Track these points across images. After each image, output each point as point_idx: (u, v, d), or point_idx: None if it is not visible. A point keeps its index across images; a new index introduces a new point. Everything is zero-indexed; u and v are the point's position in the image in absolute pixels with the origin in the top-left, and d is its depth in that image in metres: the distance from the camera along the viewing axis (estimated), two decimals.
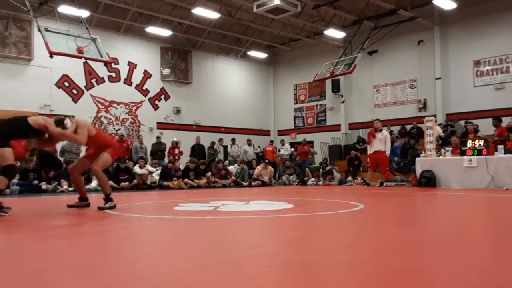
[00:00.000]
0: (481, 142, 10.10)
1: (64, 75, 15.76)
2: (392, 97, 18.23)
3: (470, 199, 7.22)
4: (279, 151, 17.43)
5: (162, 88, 18.49)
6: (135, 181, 12.22)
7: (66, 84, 15.88)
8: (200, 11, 15.57)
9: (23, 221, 4.67)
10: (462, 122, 14.92)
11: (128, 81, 17.52)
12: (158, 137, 15.94)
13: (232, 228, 4.00)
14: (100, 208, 5.48)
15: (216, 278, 2.05)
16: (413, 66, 17.50)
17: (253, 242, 3.19)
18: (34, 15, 12.32)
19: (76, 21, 13.43)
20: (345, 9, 16.40)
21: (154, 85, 18.24)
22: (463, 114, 15.74)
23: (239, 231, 3.84)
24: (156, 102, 18.28)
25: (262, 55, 20.99)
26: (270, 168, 14.88)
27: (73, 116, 5.79)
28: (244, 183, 13.90)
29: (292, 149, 17.47)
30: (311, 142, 18.59)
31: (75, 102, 16.05)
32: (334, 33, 17.66)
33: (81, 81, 16.24)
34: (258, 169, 14.45)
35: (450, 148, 10.96)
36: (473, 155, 10.03)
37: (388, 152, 11.85)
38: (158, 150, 15.17)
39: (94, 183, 11.85)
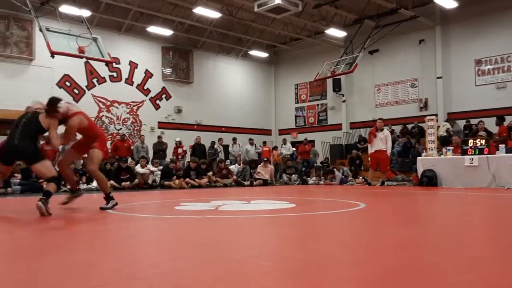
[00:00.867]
0: (483, 141, 10.09)
1: (65, 75, 15.78)
2: (393, 97, 18.22)
3: (471, 199, 7.21)
4: (279, 151, 17.36)
5: (163, 87, 18.50)
6: (136, 180, 12.23)
7: (68, 83, 15.90)
8: (201, 11, 15.57)
9: (25, 220, 4.68)
10: (463, 122, 14.93)
11: (129, 81, 17.54)
12: (159, 137, 15.95)
13: (233, 228, 4.01)
14: (102, 208, 5.42)
15: (217, 278, 2.05)
16: (414, 65, 17.48)
17: (254, 241, 3.19)
18: (36, 15, 12.33)
19: (77, 21, 13.44)
20: (346, 8, 16.40)
21: (155, 85, 18.25)
22: (465, 113, 15.72)
23: (240, 230, 3.84)
24: (157, 101, 18.29)
25: (263, 54, 20.99)
26: (270, 166, 14.92)
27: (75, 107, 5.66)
28: (246, 183, 13.91)
29: (294, 149, 17.46)
30: (312, 142, 18.60)
31: (77, 101, 16.02)
32: (335, 33, 17.65)
33: (82, 81, 16.26)
34: (258, 167, 14.50)
35: (451, 148, 10.95)
36: (474, 154, 10.02)
37: (389, 152, 11.85)
38: (159, 150, 15.17)
39: (95, 183, 11.87)
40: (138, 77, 17.78)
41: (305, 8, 15.46)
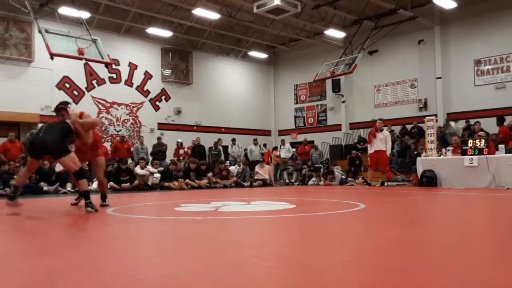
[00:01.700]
0: (482, 142, 10.10)
1: (64, 77, 15.77)
2: (393, 97, 18.23)
3: (471, 199, 7.22)
4: (278, 153, 17.32)
5: (163, 89, 18.50)
6: (136, 182, 12.23)
7: (67, 85, 15.89)
8: (200, 12, 15.57)
9: (25, 222, 4.68)
10: (463, 122, 14.94)
11: (129, 82, 17.53)
12: (159, 138, 15.95)
13: (233, 229, 4.01)
14: (104, 205, 6.01)
15: (217, 279, 2.06)
16: (413, 65, 17.50)
17: (254, 242, 3.19)
18: (35, 16, 12.33)
19: (76, 23, 13.44)
20: (345, 9, 16.41)
21: (154, 86, 18.25)
22: (464, 113, 15.73)
23: (240, 231, 3.84)
24: (157, 103, 18.29)
25: (262, 55, 21.00)
26: (267, 166, 14.95)
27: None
28: (245, 184, 13.91)
29: (294, 150, 17.45)
30: (312, 142, 18.60)
31: (76, 103, 16.03)
32: (334, 33, 17.66)
33: (82, 82, 16.25)
34: (256, 168, 14.55)
35: (451, 148, 10.96)
36: (474, 154, 10.02)
37: (389, 152, 11.86)
38: (159, 151, 15.17)
39: (95, 184, 11.88)
40: (137, 78, 17.78)
41: (304, 9, 15.47)
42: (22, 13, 13.39)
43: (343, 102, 19.75)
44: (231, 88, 20.77)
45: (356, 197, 7.80)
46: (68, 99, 15.80)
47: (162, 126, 18.17)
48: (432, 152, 11.07)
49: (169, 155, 15.52)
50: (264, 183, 13.96)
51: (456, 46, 16.43)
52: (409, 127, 16.57)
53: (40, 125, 14.66)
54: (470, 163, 9.94)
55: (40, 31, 11.92)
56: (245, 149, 17.52)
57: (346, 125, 19.70)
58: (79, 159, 5.74)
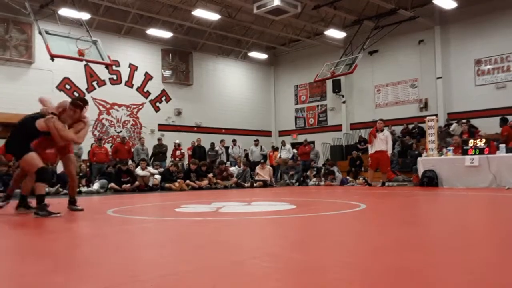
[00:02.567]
0: (483, 142, 10.09)
1: (65, 78, 15.78)
2: (393, 97, 18.22)
3: (472, 199, 7.20)
4: (279, 153, 17.31)
5: (163, 90, 18.51)
6: (136, 183, 12.23)
7: (67, 86, 15.90)
8: (200, 13, 15.58)
9: (24, 223, 4.68)
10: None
11: (129, 83, 17.55)
12: (159, 139, 15.96)
13: (234, 229, 4.00)
14: (75, 210, 5.59)
15: (217, 280, 2.05)
16: (414, 65, 17.49)
17: (255, 243, 3.18)
18: (35, 18, 12.37)
19: (76, 24, 13.45)
20: (345, 9, 16.40)
21: (155, 87, 18.25)
22: (465, 113, 15.72)
23: (241, 232, 3.84)
24: (157, 104, 18.30)
25: (262, 56, 21.00)
26: (268, 167, 14.96)
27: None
28: (246, 184, 13.91)
29: (295, 150, 17.43)
30: (312, 143, 18.59)
31: None
32: (335, 33, 17.65)
33: (82, 84, 16.26)
34: (256, 169, 14.55)
35: (452, 148, 10.95)
36: (475, 154, 10.01)
37: (389, 152, 11.85)
38: (159, 152, 15.18)
39: (96, 185, 11.90)
40: (138, 79, 17.79)
41: (304, 10, 15.47)
42: (22, 15, 13.41)
43: (344, 102, 19.74)
44: (232, 89, 20.77)
45: (357, 197, 7.79)
46: (68, 100, 15.81)
47: (162, 127, 18.18)
48: (433, 152, 11.06)
49: (170, 156, 15.54)
50: (265, 184, 13.95)
51: (457, 46, 16.42)
52: (410, 127, 16.56)
53: None
54: (471, 163, 9.93)
55: (40, 33, 11.95)
56: (246, 150, 17.51)
57: (346, 126, 19.70)
58: (56, 156, 5.67)
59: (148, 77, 18.07)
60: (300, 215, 5.10)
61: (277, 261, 2.49)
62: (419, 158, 11.36)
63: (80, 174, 12.03)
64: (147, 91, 18.03)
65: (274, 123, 22.39)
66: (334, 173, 13.99)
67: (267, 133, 21.90)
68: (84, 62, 14.10)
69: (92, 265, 2.48)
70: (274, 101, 22.49)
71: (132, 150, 15.02)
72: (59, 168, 11.13)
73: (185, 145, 16.88)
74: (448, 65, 16.61)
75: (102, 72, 16.34)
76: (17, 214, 5.31)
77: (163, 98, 18.48)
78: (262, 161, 15.11)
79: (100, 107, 16.68)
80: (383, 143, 11.62)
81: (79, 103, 5.55)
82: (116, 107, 17.06)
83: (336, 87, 19.60)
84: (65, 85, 15.83)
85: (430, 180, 10.40)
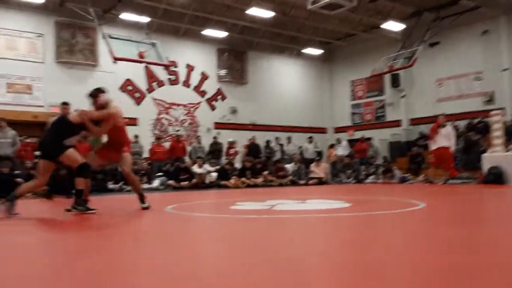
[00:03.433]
0: None
1: (127, 79, 16.48)
2: (456, 91, 17.37)
3: None
4: (334, 151, 17.07)
5: (219, 89, 18.83)
6: (194, 180, 12.55)
7: (129, 88, 16.60)
8: (254, 11, 15.67)
9: (87, 219, 4.94)
10: None
11: (186, 83, 18.02)
12: (215, 137, 16.26)
13: (288, 227, 4.01)
14: (145, 208, 5.57)
15: (269, 277, 2.07)
16: (477, 57, 16.55)
17: (309, 241, 3.17)
18: (99, 23, 13.01)
19: (137, 27, 14.00)
20: (403, 1, 15.84)
21: (211, 86, 18.62)
22: None
23: (295, 230, 3.84)
24: (213, 102, 18.65)
25: (317, 52, 20.77)
26: (323, 164, 14.78)
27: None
28: (301, 182, 13.85)
29: (351, 148, 17.12)
30: (369, 139, 18.15)
31: (138, 105, 16.74)
32: (392, 26, 17.09)
33: (143, 85, 16.91)
34: (311, 166, 14.43)
35: None
36: None
37: (452, 148, 11.35)
38: (215, 150, 15.47)
39: (156, 183, 12.35)
40: (194, 79, 18.22)
41: (360, 3, 15.11)
42: (87, 20, 14.14)
43: (403, 97, 19.09)
44: (286, 86, 20.74)
45: (416, 195, 7.53)
46: (130, 101, 16.53)
47: (218, 126, 18.50)
48: (499, 148, 10.44)
49: (225, 154, 15.78)
50: (320, 182, 13.82)
51: None
52: (474, 121, 15.72)
53: None
54: None
55: (103, 37, 12.56)
56: (300, 147, 17.42)
57: (406, 121, 19.03)
58: (104, 158, 5.67)
59: (204, 77, 18.45)
60: (355, 213, 5.01)
61: (330, 260, 2.47)
62: (483, 155, 10.78)
63: (142, 172, 12.55)
64: (204, 90, 18.42)
65: (329, 120, 22.10)
66: (392, 170, 13.59)
67: (322, 130, 21.66)
68: (144, 64, 14.66)
69: (148, 261, 2.58)
70: (330, 97, 22.18)
71: (189, 148, 15.42)
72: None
73: (240, 143, 17.09)
74: None
75: (161, 73, 16.91)
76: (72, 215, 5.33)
77: (219, 97, 18.80)
78: (317, 158, 14.95)
79: (160, 107, 17.26)
80: (445, 139, 11.16)
81: (90, 93, 5.72)
82: (174, 106, 17.59)
83: (395, 82, 19.00)
84: (127, 86, 16.53)
85: (496, 177, 9.84)
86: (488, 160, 10.35)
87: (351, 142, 18.54)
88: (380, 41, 18.91)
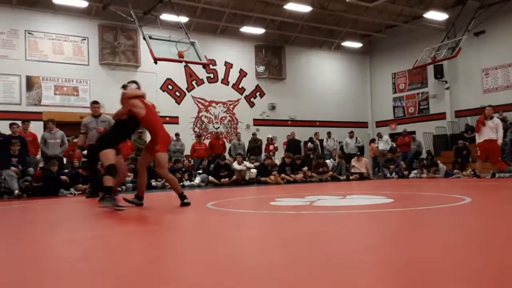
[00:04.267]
0: None
1: (167, 79, 16.84)
2: (504, 81, 16.61)
3: None
4: (376, 145, 16.76)
5: (257, 85, 18.89)
6: (234, 177, 12.67)
7: (170, 87, 16.95)
8: (292, 6, 15.60)
9: (131, 215, 5.10)
10: None
11: (225, 81, 18.19)
12: (254, 134, 16.32)
13: (328, 223, 3.98)
14: (183, 204, 5.55)
15: (312, 272, 2.06)
16: None
17: (349, 237, 3.14)
18: (139, 24, 13.34)
19: (176, 27, 14.24)
20: None
21: (249, 83, 18.71)
22: None
23: (335, 226, 3.81)
24: (252, 99, 18.73)
25: (357, 45, 20.43)
26: (364, 159, 14.51)
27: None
28: (341, 177, 13.69)
29: (393, 143, 16.74)
30: (412, 133, 17.68)
31: (178, 104, 17.07)
32: (435, 16, 16.56)
33: (183, 84, 17.23)
34: (352, 161, 14.21)
35: None
36: None
37: (500, 141, 10.89)
38: (254, 147, 15.53)
39: (197, 180, 12.55)
40: (233, 76, 18.37)
41: None
42: (128, 22, 14.54)
43: (447, 88, 18.47)
44: (325, 80, 20.52)
45: (462, 190, 7.28)
46: (171, 100, 16.88)
47: (257, 122, 18.57)
48: None
49: (264, 151, 15.82)
50: (361, 177, 13.61)
51: None
52: None
53: None
54: None
55: (144, 38, 12.87)
56: (341, 142, 17.21)
57: (451, 114, 18.41)
58: (152, 153, 5.74)
59: (242, 74, 18.56)
60: (398, 209, 4.91)
61: (373, 256, 2.43)
62: None
63: (183, 169, 12.80)
64: (242, 87, 18.54)
65: (370, 114, 21.69)
66: (437, 165, 13.19)
67: (363, 124, 21.30)
68: (183, 63, 14.90)
69: (192, 255, 2.64)
70: (370, 90, 21.77)
71: (229, 145, 15.56)
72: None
73: (280, 139, 17.08)
74: None
75: (200, 71, 17.15)
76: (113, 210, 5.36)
77: (258, 94, 18.86)
78: (358, 153, 14.72)
79: (199, 105, 17.53)
80: (492, 131, 10.73)
81: (123, 85, 5.98)
82: (213, 104, 17.81)
83: (438, 73, 18.41)
84: (167, 85, 16.88)
85: None
86: None
87: (393, 136, 18.14)
88: (422, 32, 18.35)
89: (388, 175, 14.53)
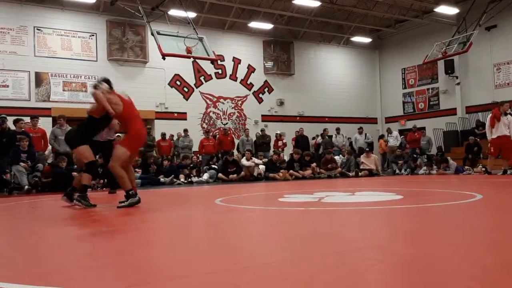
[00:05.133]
0: None
1: (176, 75, 16.83)
2: None
3: None
4: (386, 140, 16.63)
5: (266, 81, 18.82)
6: (242, 173, 12.64)
7: (178, 83, 16.95)
8: (300, 1, 15.50)
9: (142, 212, 5.08)
10: None
11: (233, 77, 18.14)
12: (262, 130, 16.27)
13: (336, 220, 3.94)
14: (119, 207, 5.16)
15: (318, 269, 2.03)
16: None
17: (357, 234, 3.09)
18: (147, 20, 13.32)
19: (184, 23, 14.21)
20: None
21: (257, 79, 18.64)
22: None
23: (343, 222, 3.76)
24: (260, 95, 18.67)
25: (366, 40, 20.26)
26: (373, 155, 14.39)
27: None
28: (350, 174, 13.60)
29: (402, 137, 16.62)
30: (422, 129, 17.52)
31: (186, 99, 17.07)
32: (446, 10, 16.36)
33: (191, 79, 17.22)
34: (361, 158, 14.10)
35: None
36: None
37: None
38: (263, 143, 15.48)
39: (205, 176, 12.54)
40: (241, 72, 18.31)
41: None
42: (136, 18, 14.54)
43: (458, 84, 18.26)
44: (334, 76, 20.39)
45: (473, 187, 7.17)
46: (179, 95, 16.89)
47: (265, 118, 18.52)
48: None
49: (273, 147, 15.78)
50: (371, 173, 13.51)
51: None
52: None
53: (156, 121, 16.02)
54: None
55: (152, 34, 12.85)
56: (349, 138, 17.10)
57: (462, 109, 18.21)
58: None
59: (251, 70, 18.50)
60: (407, 206, 4.84)
61: (380, 253, 2.39)
62: None
63: (191, 165, 12.80)
64: (250, 83, 18.48)
65: (379, 110, 21.53)
66: (447, 161, 13.05)
67: (373, 120, 21.15)
68: (192, 59, 14.88)
69: (199, 251, 2.61)
70: (380, 86, 21.60)
71: (237, 141, 15.53)
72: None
73: (288, 135, 17.01)
74: None
75: (208, 67, 17.13)
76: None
77: (266, 89, 18.80)
78: (367, 149, 14.61)
79: (208, 100, 17.51)
80: (506, 127, 10.57)
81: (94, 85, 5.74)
82: (222, 100, 17.78)
83: (449, 68, 18.20)
84: (176, 81, 16.88)
85: None
86: None
87: (403, 132, 17.99)
88: (433, 27, 18.15)
89: (398, 171, 14.41)
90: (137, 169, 11.70)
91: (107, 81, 5.63)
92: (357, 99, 20.75)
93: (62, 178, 9.51)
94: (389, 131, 16.55)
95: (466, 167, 13.15)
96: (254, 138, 15.80)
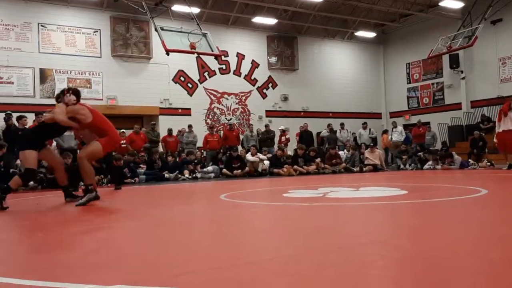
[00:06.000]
0: None
1: (180, 71, 16.82)
2: None
3: None
4: (390, 136, 16.55)
5: (270, 76, 18.77)
6: (247, 168, 12.64)
7: (182, 78, 16.93)
8: None
9: (146, 207, 5.11)
10: None
11: (237, 72, 18.10)
12: (266, 125, 16.23)
13: (340, 215, 3.94)
14: (78, 205, 5.10)
15: (322, 265, 2.03)
16: None
17: (361, 229, 3.09)
18: (151, 15, 13.30)
19: (188, 18, 14.17)
20: None
21: (261, 74, 18.59)
22: None
23: (347, 218, 3.76)
24: (264, 90, 18.63)
25: (370, 34, 20.14)
26: (378, 151, 14.34)
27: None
28: (355, 169, 13.57)
29: (407, 131, 16.54)
30: (427, 124, 17.43)
31: (190, 95, 17.06)
32: (451, 4, 16.24)
33: (195, 75, 17.19)
34: (365, 153, 14.06)
35: None
36: None
37: None
38: (267, 138, 15.45)
39: (210, 168, 12.57)
40: (245, 68, 18.27)
41: None
42: (140, 13, 14.52)
43: (463, 78, 18.14)
44: (338, 71, 20.30)
45: (478, 182, 7.14)
46: (183, 91, 16.89)
47: (270, 113, 18.49)
48: None
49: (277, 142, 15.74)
50: (375, 169, 13.47)
51: None
52: None
53: (160, 117, 16.03)
54: None
55: (156, 29, 12.83)
56: (354, 134, 17.04)
57: (466, 104, 18.10)
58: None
59: (255, 65, 18.45)
60: (412, 201, 4.83)
61: (384, 249, 2.39)
62: None
63: (196, 161, 12.82)
64: (254, 78, 18.44)
65: (384, 105, 21.44)
66: (452, 156, 12.99)
67: (377, 115, 21.07)
68: (195, 55, 14.85)
69: (203, 247, 2.62)
70: (384, 81, 21.49)
71: (242, 137, 15.51)
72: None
73: (292, 130, 16.98)
74: None
75: (212, 63, 17.10)
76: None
77: (270, 85, 18.75)
78: (371, 144, 14.56)
79: (212, 96, 17.49)
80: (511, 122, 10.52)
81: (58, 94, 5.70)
82: (226, 95, 17.76)
83: (454, 63, 18.08)
84: (180, 77, 16.87)
85: None
86: None
87: (407, 127, 17.92)
88: (438, 21, 18.03)
89: (402, 166, 14.36)
90: (141, 165, 11.74)
91: (76, 93, 5.51)
92: (361, 94, 20.67)
93: (68, 173, 9.54)
94: (394, 124, 16.46)
95: (471, 161, 13.08)
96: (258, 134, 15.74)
